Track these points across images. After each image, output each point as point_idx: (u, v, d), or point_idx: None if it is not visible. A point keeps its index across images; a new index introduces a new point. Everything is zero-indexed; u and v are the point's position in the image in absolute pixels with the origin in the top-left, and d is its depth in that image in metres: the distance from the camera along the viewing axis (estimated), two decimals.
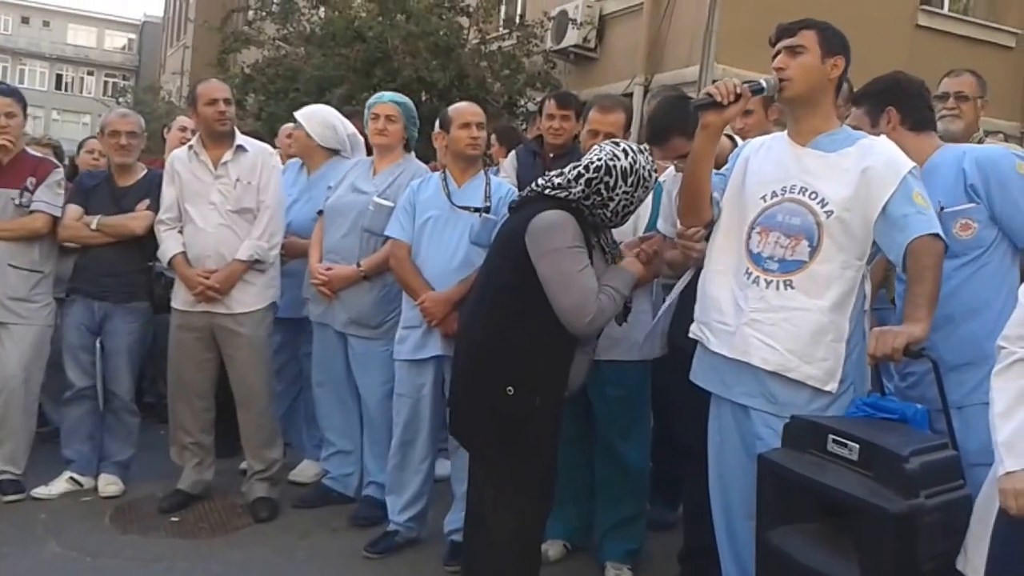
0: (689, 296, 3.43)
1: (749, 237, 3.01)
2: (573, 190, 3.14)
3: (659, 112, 3.70)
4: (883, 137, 3.05)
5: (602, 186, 3.14)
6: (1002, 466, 2.26)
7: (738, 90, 2.92)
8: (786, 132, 3.11)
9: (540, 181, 3.22)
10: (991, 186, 3.03)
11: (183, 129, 5.67)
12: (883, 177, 2.84)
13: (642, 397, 3.95)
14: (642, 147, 3.28)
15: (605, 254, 3.27)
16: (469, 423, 3.30)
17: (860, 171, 2.86)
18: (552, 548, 4.03)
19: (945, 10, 11.88)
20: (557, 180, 3.18)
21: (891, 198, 2.81)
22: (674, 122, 3.53)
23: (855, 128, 3.12)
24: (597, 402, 3.90)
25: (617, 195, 3.15)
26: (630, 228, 3.75)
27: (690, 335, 3.18)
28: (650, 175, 3.20)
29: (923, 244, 2.74)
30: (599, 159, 3.16)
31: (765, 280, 2.93)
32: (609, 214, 3.20)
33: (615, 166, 3.15)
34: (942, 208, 3.02)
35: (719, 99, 2.91)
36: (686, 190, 3.14)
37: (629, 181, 3.15)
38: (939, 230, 2.78)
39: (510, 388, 3.08)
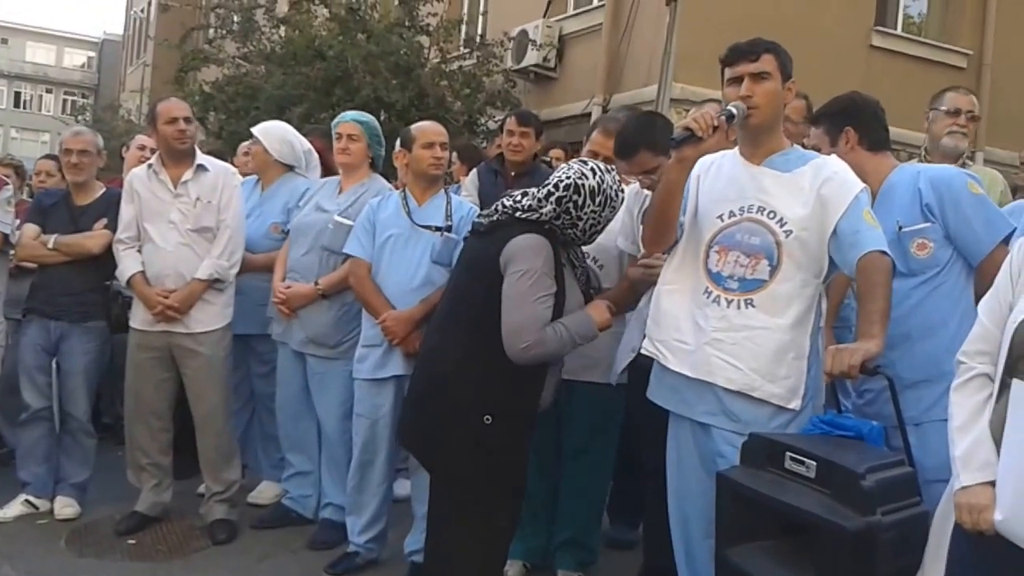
0: None
1: (707, 256, 3.02)
2: (543, 210, 3.13)
3: (627, 127, 3.72)
4: (834, 156, 3.10)
5: (571, 205, 3.12)
6: (958, 480, 2.27)
7: (715, 122, 2.91)
8: (737, 150, 3.13)
9: (508, 203, 3.20)
10: (945, 205, 3.07)
11: (141, 148, 5.63)
12: (837, 196, 2.89)
13: (614, 420, 3.95)
14: (609, 167, 3.29)
15: (575, 269, 3.26)
16: (435, 445, 3.23)
17: (815, 190, 2.91)
18: (512, 568, 4.01)
19: (899, 31, 12.08)
20: (527, 202, 3.17)
21: (843, 216, 2.86)
22: (642, 137, 3.56)
23: (814, 148, 3.16)
24: (568, 422, 3.91)
25: (585, 214, 3.14)
26: (613, 246, 3.81)
27: (643, 351, 3.20)
28: (617, 194, 3.20)
29: (872, 261, 2.79)
30: (568, 178, 3.15)
31: (726, 299, 2.95)
32: (578, 233, 3.19)
33: (583, 185, 3.13)
34: (900, 227, 3.06)
35: (699, 133, 2.90)
36: (657, 219, 3.13)
37: (597, 200, 3.14)
38: (886, 247, 2.83)
39: (487, 417, 3.05)
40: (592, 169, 3.18)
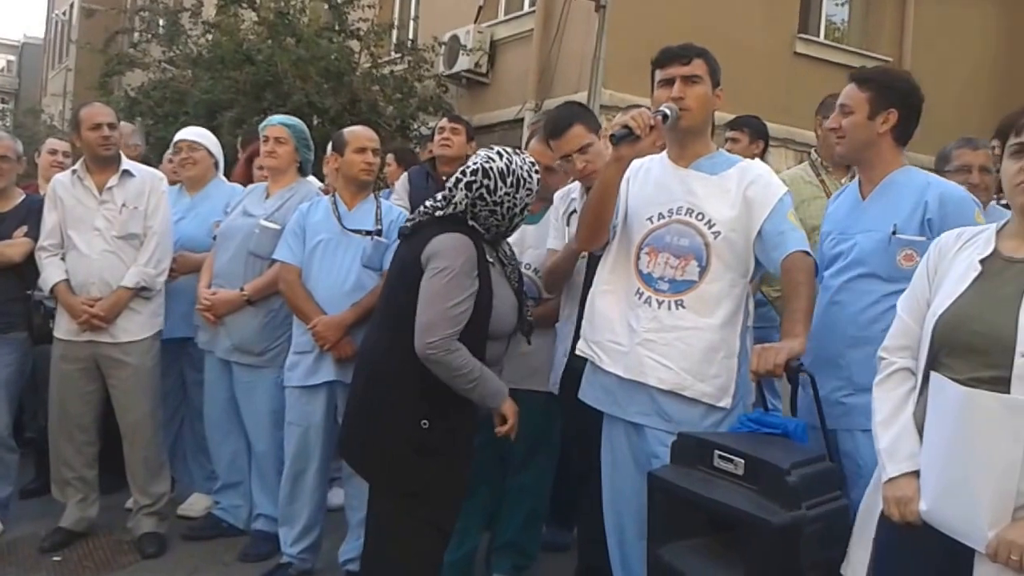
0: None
1: (638, 258, 3.07)
2: (456, 199, 3.09)
3: (558, 109, 3.77)
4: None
5: (484, 190, 3.07)
6: (884, 472, 2.33)
7: (652, 122, 2.96)
8: (665, 154, 3.18)
9: (429, 203, 3.17)
10: (948, 227, 2.95)
11: (53, 152, 5.53)
12: (762, 198, 2.97)
13: (555, 426, 3.95)
14: (516, 149, 3.26)
15: (506, 268, 3.23)
16: (374, 453, 3.16)
17: (742, 192, 2.98)
18: None
19: (821, 38, 12.33)
20: (440, 195, 3.15)
21: (768, 218, 2.94)
22: (573, 113, 3.61)
23: (842, 105, 3.12)
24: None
25: (500, 197, 3.08)
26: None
27: (577, 353, 3.22)
28: (530, 175, 3.13)
29: (795, 261, 2.86)
30: (475, 163, 3.13)
31: (657, 300, 3.00)
32: (499, 220, 3.12)
33: (491, 168, 3.08)
34: (895, 232, 2.98)
35: (637, 131, 2.94)
36: (592, 218, 3.15)
37: (508, 181, 3.08)
38: (808, 248, 2.90)
39: (425, 421, 3.00)
40: (499, 152, 3.14)
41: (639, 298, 3.04)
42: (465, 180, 3.09)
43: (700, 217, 3.00)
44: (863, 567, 2.44)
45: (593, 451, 3.30)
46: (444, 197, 3.12)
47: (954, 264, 2.37)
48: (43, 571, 4.16)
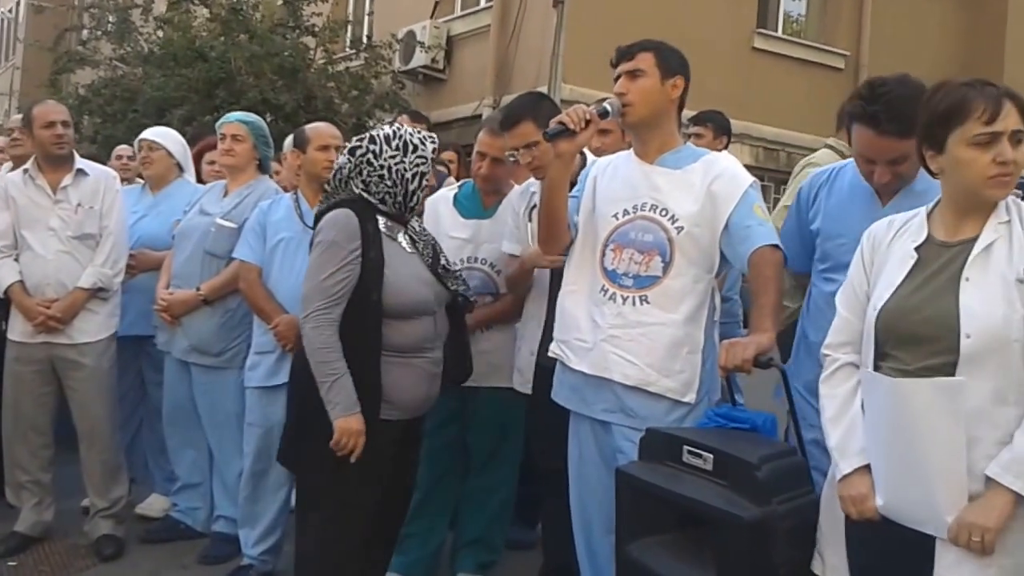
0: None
1: (603, 254, 3.06)
2: (344, 170, 3.09)
3: (513, 102, 3.75)
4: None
5: (369, 155, 3.06)
6: (838, 470, 2.33)
7: (588, 116, 2.97)
8: (632, 151, 3.17)
9: (328, 188, 3.18)
10: None
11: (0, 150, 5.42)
12: (727, 192, 2.94)
13: (519, 423, 3.91)
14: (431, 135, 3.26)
15: (415, 242, 3.20)
16: (291, 442, 3.17)
17: (706, 187, 2.96)
18: None
19: (779, 32, 12.42)
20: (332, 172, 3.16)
21: (733, 211, 2.91)
22: (525, 109, 3.58)
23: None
24: (473, 427, 3.90)
25: (385, 161, 3.06)
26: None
27: (550, 354, 3.21)
28: (423, 143, 3.12)
29: (763, 255, 2.84)
30: (364, 135, 3.15)
31: (621, 296, 2.99)
32: (389, 187, 3.08)
33: (377, 135, 3.10)
34: None
35: (571, 126, 2.95)
36: (545, 218, 3.16)
37: (394, 145, 3.07)
38: (777, 241, 2.88)
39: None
40: (389, 124, 3.15)
41: (604, 295, 3.03)
42: (349, 147, 3.12)
43: (664, 213, 2.99)
44: (839, 560, 2.42)
45: (557, 449, 3.28)
46: (335, 175, 3.14)
47: (890, 254, 2.37)
48: None
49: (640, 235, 3.00)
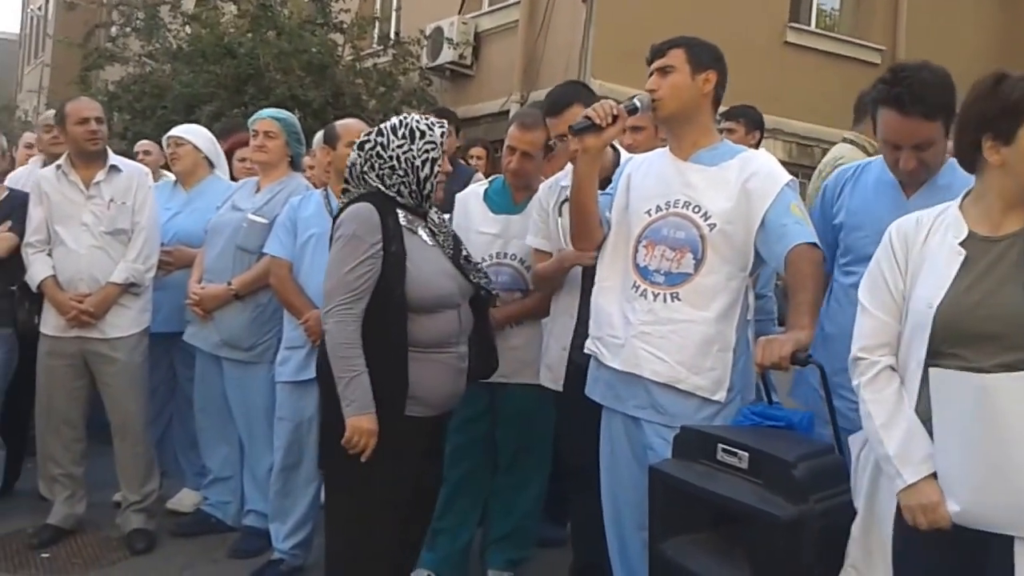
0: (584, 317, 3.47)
1: (636, 251, 3.05)
2: (356, 166, 3.08)
3: (555, 90, 3.74)
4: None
5: (378, 147, 3.05)
6: (900, 479, 2.23)
7: (615, 111, 2.96)
8: (667, 147, 3.16)
9: (346, 184, 3.18)
10: None
11: (29, 146, 5.47)
12: (762, 189, 2.91)
13: (549, 419, 3.88)
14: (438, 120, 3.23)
15: (436, 236, 3.17)
16: (322, 438, 3.17)
17: (741, 184, 2.93)
18: None
19: (812, 27, 12.30)
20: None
21: (769, 209, 2.88)
22: (572, 93, 3.59)
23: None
24: (502, 423, 3.89)
25: (394, 152, 3.04)
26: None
27: (585, 350, 3.19)
28: (430, 128, 3.08)
29: (801, 252, 2.81)
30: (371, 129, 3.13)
31: (652, 293, 2.97)
32: (402, 178, 3.06)
33: (384, 127, 3.09)
34: None
35: (598, 121, 2.95)
36: (576, 214, 3.16)
37: (400, 134, 3.06)
38: (815, 239, 2.85)
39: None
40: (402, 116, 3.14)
41: (635, 291, 3.02)
42: (359, 141, 3.11)
43: (696, 209, 2.97)
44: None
45: (587, 446, 3.27)
46: (349, 170, 3.13)
47: (927, 252, 2.32)
48: (32, 568, 4.12)
49: (672, 232, 2.98)
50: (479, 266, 3.31)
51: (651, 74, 3.05)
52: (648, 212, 3.06)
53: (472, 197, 4.01)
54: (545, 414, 3.84)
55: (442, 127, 3.12)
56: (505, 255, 3.86)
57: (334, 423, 2.96)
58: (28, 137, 5.65)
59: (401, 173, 3.06)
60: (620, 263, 3.10)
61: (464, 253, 3.24)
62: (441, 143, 3.09)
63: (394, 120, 3.12)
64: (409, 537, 3.29)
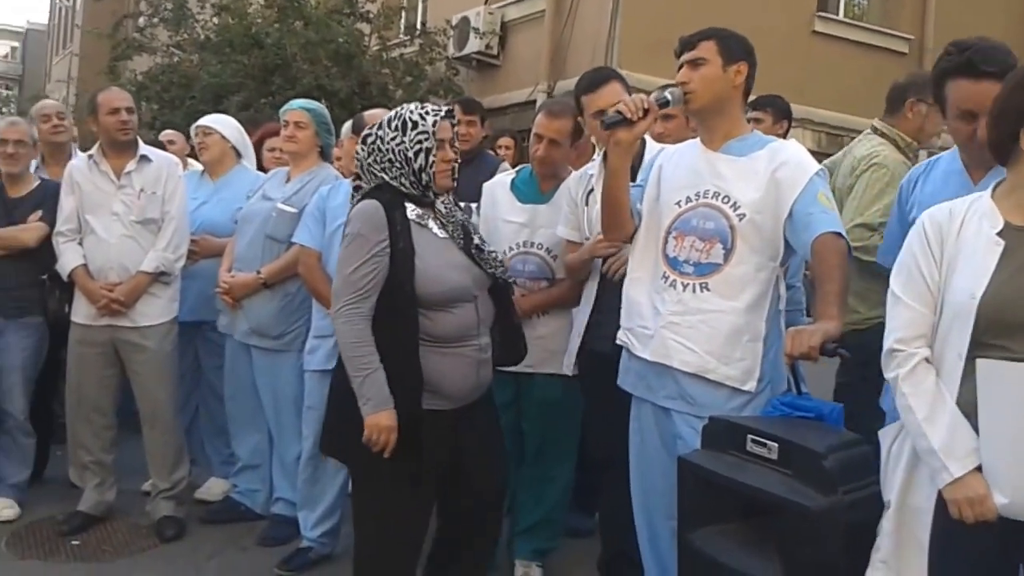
0: (597, 304, 3.53)
1: (666, 242, 3.04)
2: (362, 161, 3.07)
3: (589, 72, 3.74)
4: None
5: (378, 141, 3.03)
6: (947, 473, 2.20)
7: (646, 105, 2.96)
8: (698, 138, 3.15)
9: (358, 180, 3.16)
10: None
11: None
12: (791, 179, 2.90)
13: (574, 410, 3.89)
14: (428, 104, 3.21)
15: (445, 226, 3.12)
16: (332, 429, 3.17)
17: (770, 174, 2.92)
18: None
19: (840, 16, 12.22)
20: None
21: (797, 199, 2.87)
22: (610, 72, 3.62)
23: None
24: (528, 413, 3.88)
25: (388, 145, 3.01)
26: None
27: (617, 341, 3.19)
28: (422, 117, 3.01)
29: (826, 242, 2.79)
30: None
31: (682, 283, 2.97)
32: (399, 168, 3.01)
33: (383, 120, 3.08)
34: None
35: (628, 116, 2.95)
36: (607, 206, 3.17)
37: (394, 125, 3.02)
38: (842, 229, 2.83)
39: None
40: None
41: (665, 282, 3.02)
42: (362, 135, 3.10)
43: (726, 200, 2.96)
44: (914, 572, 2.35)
45: (609, 438, 3.28)
46: (356, 164, 3.13)
47: (963, 242, 2.30)
48: (62, 555, 4.16)
49: (702, 222, 2.98)
50: (492, 253, 3.22)
51: (681, 66, 3.04)
52: (678, 203, 3.05)
53: (499, 187, 4.01)
54: (572, 404, 3.84)
55: (437, 115, 3.06)
56: (532, 244, 3.86)
57: (352, 413, 2.93)
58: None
59: (399, 165, 3.02)
60: (651, 254, 3.10)
61: (475, 241, 3.16)
62: (434, 132, 3.02)
63: (391, 112, 3.09)
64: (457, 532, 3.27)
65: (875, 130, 4.19)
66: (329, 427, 3.18)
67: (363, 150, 3.07)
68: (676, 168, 3.13)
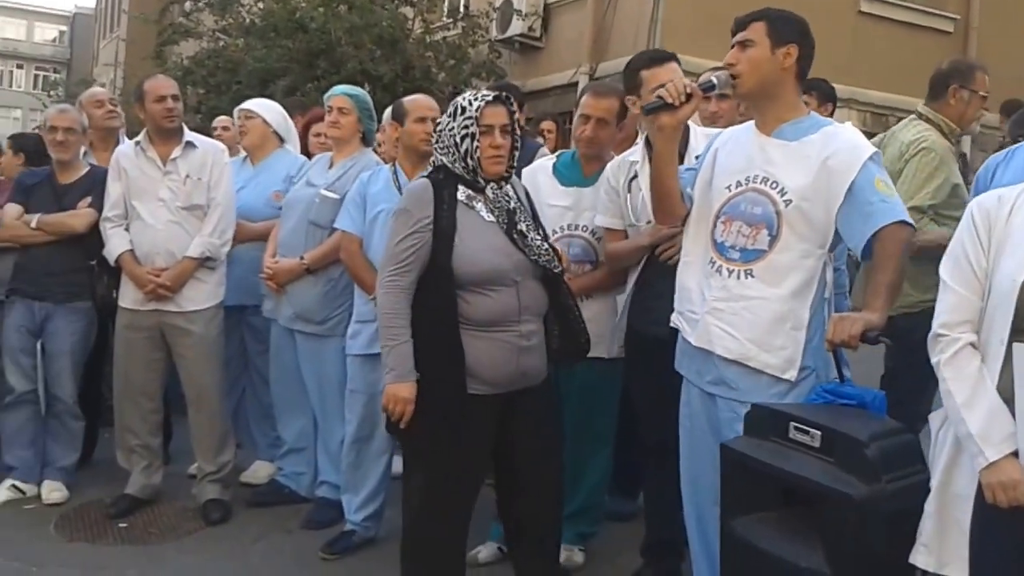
0: (648, 288, 3.51)
1: (715, 227, 3.01)
2: (436, 145, 3.17)
3: (646, 51, 3.80)
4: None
5: (440, 126, 3.16)
6: (982, 458, 2.20)
7: (688, 90, 2.92)
8: (753, 122, 3.09)
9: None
10: None
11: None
12: (845, 164, 2.81)
13: (612, 394, 3.90)
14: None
15: (493, 211, 3.13)
16: None
17: (821, 160, 2.84)
18: (485, 550, 3.95)
19: None
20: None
21: (852, 186, 2.78)
22: (667, 53, 3.60)
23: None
24: (567, 398, 3.85)
25: (443, 130, 3.12)
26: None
27: (672, 324, 3.17)
28: (470, 103, 3.08)
29: (887, 233, 2.73)
30: None
31: (727, 269, 2.94)
32: (452, 151, 3.09)
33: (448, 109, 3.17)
34: None
35: (670, 100, 2.92)
36: (655, 192, 3.17)
37: (450, 112, 3.12)
38: (905, 215, 2.77)
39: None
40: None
41: (712, 267, 3.00)
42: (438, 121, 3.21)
43: (774, 185, 2.91)
44: (953, 556, 2.33)
45: (658, 424, 3.26)
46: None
47: (1012, 228, 2.28)
48: (110, 537, 4.22)
49: (750, 207, 2.93)
50: (538, 241, 3.18)
51: (732, 46, 2.99)
52: (728, 187, 3.01)
53: (540, 171, 4.00)
54: (610, 388, 3.85)
55: (483, 100, 3.10)
56: (576, 227, 3.85)
57: None
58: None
59: (451, 150, 3.10)
60: (702, 238, 3.07)
61: (520, 227, 3.15)
62: (477, 117, 3.06)
63: (457, 99, 3.16)
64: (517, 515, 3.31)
65: (920, 116, 4.20)
66: None
67: (434, 135, 3.19)
68: (730, 152, 3.08)
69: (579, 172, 3.92)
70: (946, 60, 4.36)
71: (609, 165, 3.76)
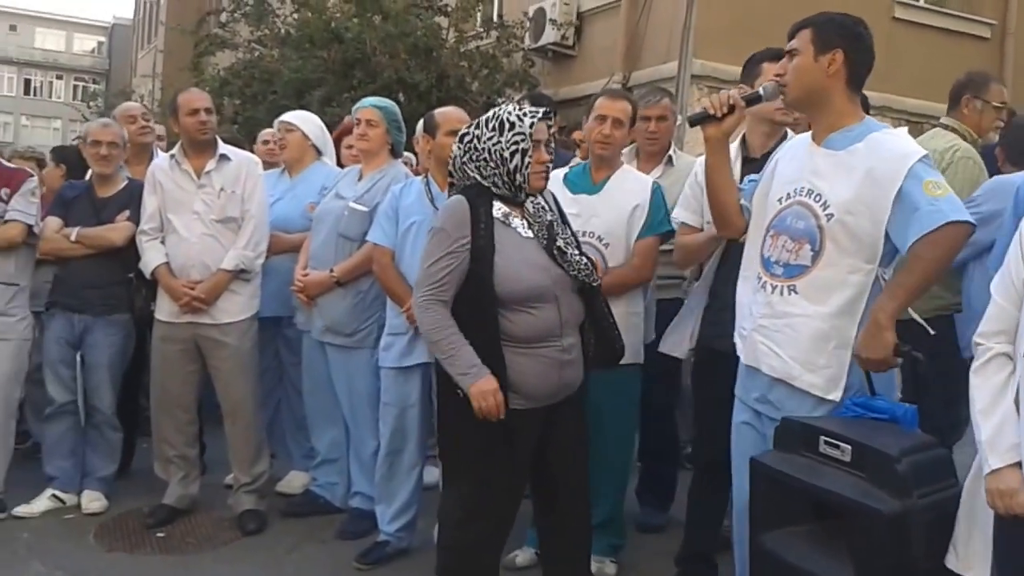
0: (717, 300, 3.50)
1: (764, 241, 2.97)
2: (457, 158, 3.14)
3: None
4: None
5: (474, 140, 3.09)
6: (987, 464, 2.26)
7: (731, 101, 2.92)
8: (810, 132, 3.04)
9: (451, 176, 3.23)
10: None
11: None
12: (890, 174, 2.68)
13: (632, 400, 3.91)
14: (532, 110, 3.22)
15: (532, 226, 3.14)
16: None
17: (865, 170, 2.73)
18: (522, 555, 3.98)
19: (921, 2, 11.91)
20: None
21: (899, 194, 2.66)
22: (764, 53, 3.59)
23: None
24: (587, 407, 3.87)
25: (485, 144, 3.06)
26: (623, 226, 3.76)
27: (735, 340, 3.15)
28: (519, 119, 3.06)
29: (932, 238, 2.59)
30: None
31: (771, 285, 2.90)
32: (494, 168, 3.06)
33: (480, 120, 3.13)
34: None
35: (712, 112, 2.93)
36: (710, 203, 3.18)
37: (491, 126, 3.07)
38: (956, 216, 2.59)
39: (460, 391, 2.98)
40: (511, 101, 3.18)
41: (758, 283, 2.95)
42: (459, 134, 3.16)
43: (817, 198, 2.81)
44: (976, 557, 2.35)
45: (720, 436, 3.21)
46: (451, 163, 3.19)
47: None
48: (148, 546, 4.26)
49: (795, 221, 2.86)
50: (577, 256, 3.18)
51: (785, 55, 2.96)
52: (780, 200, 2.94)
53: (552, 180, 4.01)
54: (630, 396, 3.86)
55: (534, 117, 3.09)
56: (584, 233, 3.80)
57: (442, 405, 3.08)
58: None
59: (493, 165, 3.07)
60: (753, 253, 3.03)
61: (558, 243, 3.15)
62: (530, 133, 3.06)
63: (489, 112, 3.14)
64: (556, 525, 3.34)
65: (944, 126, 4.25)
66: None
67: (459, 148, 3.14)
68: (788, 163, 3.01)
69: (588, 180, 3.95)
70: (966, 71, 4.42)
71: (698, 161, 3.71)
